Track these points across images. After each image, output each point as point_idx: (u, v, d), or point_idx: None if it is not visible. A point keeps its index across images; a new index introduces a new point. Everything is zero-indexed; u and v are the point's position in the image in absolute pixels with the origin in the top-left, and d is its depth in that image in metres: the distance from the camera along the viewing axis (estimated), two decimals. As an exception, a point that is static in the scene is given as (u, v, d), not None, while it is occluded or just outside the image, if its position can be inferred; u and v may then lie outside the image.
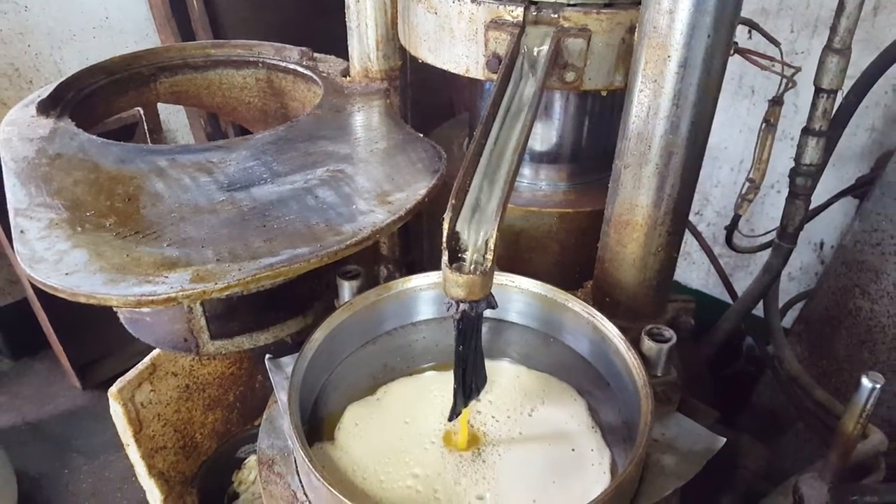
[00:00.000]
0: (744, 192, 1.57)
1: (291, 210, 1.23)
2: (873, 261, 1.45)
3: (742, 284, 2.79)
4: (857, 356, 1.56)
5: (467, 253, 1.00)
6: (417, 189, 1.32)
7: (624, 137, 1.27)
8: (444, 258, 0.98)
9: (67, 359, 2.88)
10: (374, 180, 1.34)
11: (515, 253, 1.64)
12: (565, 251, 1.61)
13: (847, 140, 2.29)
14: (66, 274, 1.05)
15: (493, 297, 1.01)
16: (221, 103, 2.04)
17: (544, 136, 1.66)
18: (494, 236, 0.98)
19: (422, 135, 1.54)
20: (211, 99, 2.03)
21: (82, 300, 1.03)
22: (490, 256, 0.97)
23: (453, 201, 0.99)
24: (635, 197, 1.29)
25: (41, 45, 2.62)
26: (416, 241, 1.97)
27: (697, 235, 1.89)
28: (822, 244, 2.44)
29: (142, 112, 1.95)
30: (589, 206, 1.57)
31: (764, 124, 1.50)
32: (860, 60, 2.16)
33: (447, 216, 0.99)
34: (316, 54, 1.94)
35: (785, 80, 1.37)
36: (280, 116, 2.06)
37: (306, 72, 1.86)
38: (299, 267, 1.09)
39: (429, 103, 2.39)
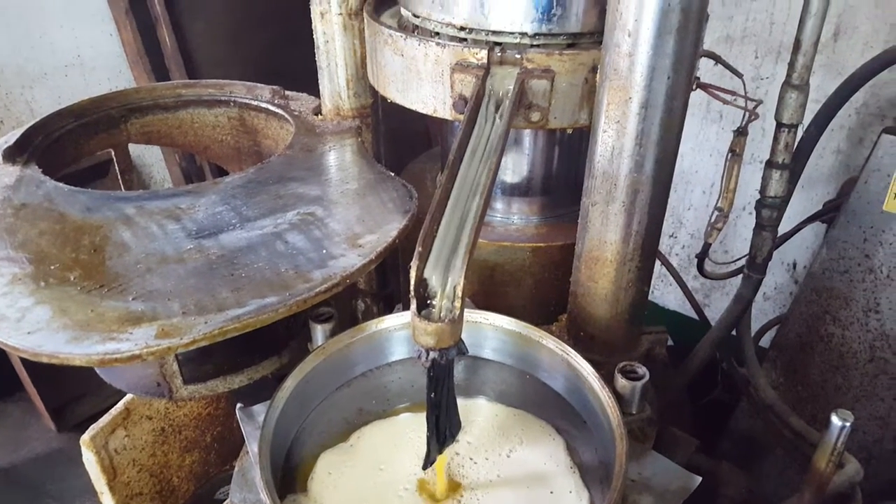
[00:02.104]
0: (713, 220, 1.59)
1: (260, 257, 1.22)
2: (842, 288, 1.47)
3: (719, 305, 2.83)
4: (832, 381, 1.57)
5: (436, 299, 1.00)
6: (388, 231, 1.32)
7: (590, 175, 1.29)
8: (413, 306, 0.97)
9: (41, 401, 2.83)
10: (344, 222, 1.34)
11: (490, 287, 1.64)
12: (539, 285, 1.61)
13: (814, 162, 2.34)
14: (29, 333, 1.03)
15: (463, 343, 1.01)
16: (193, 142, 2.04)
17: (516, 170, 1.67)
18: (462, 283, 0.98)
19: (393, 173, 1.55)
20: (183, 138, 2.02)
21: (45, 360, 1.01)
22: (458, 304, 0.97)
23: (420, 248, 0.99)
24: (604, 234, 1.30)
25: (11, 85, 2.60)
26: (393, 274, 1.97)
27: (668, 266, 1.91)
28: (794, 264, 2.47)
29: (113, 153, 1.94)
30: (561, 240, 1.57)
31: (730, 154, 1.52)
32: (823, 85, 2.22)
33: (414, 263, 0.99)
34: (288, 92, 1.95)
35: (748, 114, 1.39)
36: (253, 154, 2.06)
37: (278, 111, 1.87)
38: (267, 318, 1.08)
39: (405, 131, 2.40)
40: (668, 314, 2.94)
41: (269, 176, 1.50)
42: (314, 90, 1.78)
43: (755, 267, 1.50)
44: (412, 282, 0.98)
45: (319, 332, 1.36)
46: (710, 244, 1.64)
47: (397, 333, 1.40)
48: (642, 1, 1.07)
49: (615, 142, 1.21)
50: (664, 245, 2.90)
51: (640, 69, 1.12)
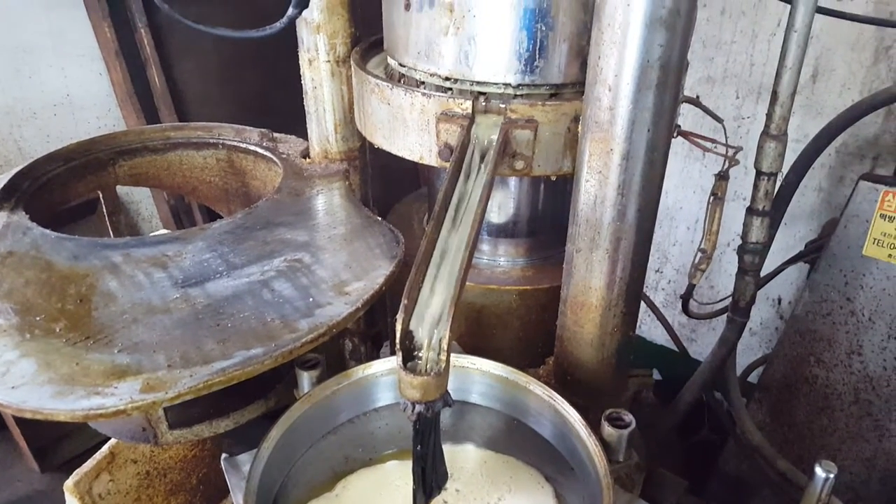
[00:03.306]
0: (696, 261, 1.61)
1: (247, 306, 1.22)
2: (825, 330, 1.49)
3: (705, 340, 2.84)
4: (817, 423, 1.58)
5: (422, 351, 1.01)
6: (375, 278, 1.32)
7: (574, 223, 1.30)
8: (398, 359, 0.98)
9: (25, 440, 2.78)
10: (331, 269, 1.35)
11: (477, 329, 1.65)
12: (526, 327, 1.62)
13: (796, 200, 2.37)
14: (13, 387, 1.03)
15: (449, 395, 1.01)
16: (182, 183, 2.05)
17: (502, 212, 1.69)
18: (447, 335, 0.99)
19: (380, 218, 1.56)
20: (171, 179, 2.03)
21: (28, 416, 1.00)
22: (444, 357, 0.98)
23: (405, 301, 1.00)
24: (588, 279, 1.32)
25: (0, 125, 2.61)
26: (381, 313, 1.97)
27: (653, 308, 1.93)
28: (779, 300, 2.49)
29: (101, 195, 1.94)
30: (548, 283, 1.59)
31: (712, 197, 1.55)
32: (803, 125, 2.27)
33: (400, 317, 0.99)
34: (276, 134, 1.97)
35: (728, 161, 1.42)
36: (241, 195, 2.07)
37: (266, 153, 1.88)
38: (252, 370, 1.08)
39: (394, 168, 2.43)
40: (656, 349, 2.95)
41: (256, 221, 1.51)
42: (303, 128, 1.80)
43: (739, 311, 1.51)
44: (398, 334, 0.98)
45: (306, 378, 1.35)
46: (695, 285, 1.66)
47: (384, 379, 1.40)
48: (622, 57, 1.10)
49: (598, 191, 1.23)
50: (650, 280, 2.93)
51: (621, 122, 1.14)
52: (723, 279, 2.65)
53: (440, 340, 0.99)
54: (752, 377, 2.23)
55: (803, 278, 2.26)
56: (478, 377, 1.40)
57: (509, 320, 1.61)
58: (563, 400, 1.27)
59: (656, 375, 2.96)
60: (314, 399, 1.30)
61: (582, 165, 1.24)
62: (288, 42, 1.65)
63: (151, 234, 2.00)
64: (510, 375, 1.36)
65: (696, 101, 1.57)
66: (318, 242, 1.45)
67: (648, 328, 2.98)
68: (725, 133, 1.59)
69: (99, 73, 2.75)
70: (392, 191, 2.13)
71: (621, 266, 1.28)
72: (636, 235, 1.25)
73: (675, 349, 2.96)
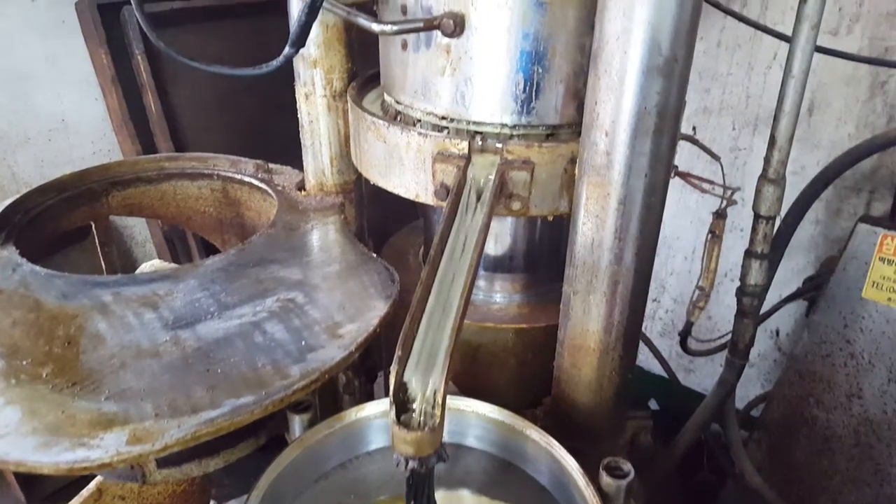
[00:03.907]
0: (695, 299, 1.60)
1: (237, 350, 1.20)
2: (824, 372, 1.47)
3: (704, 370, 2.82)
4: (818, 465, 1.56)
5: (415, 403, 0.98)
6: (370, 319, 1.30)
7: (571, 265, 1.29)
8: (392, 413, 0.96)
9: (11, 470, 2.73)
10: (325, 310, 1.33)
11: (472, 368, 1.62)
12: (523, 366, 1.60)
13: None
14: (-4, 438, 1.00)
15: (444, 450, 0.99)
16: (176, 213, 2.03)
17: (499, 246, 1.67)
18: (443, 388, 0.97)
19: (375, 254, 1.54)
20: (165, 209, 2.01)
21: (12, 468, 0.98)
22: (439, 411, 0.96)
23: (399, 352, 0.98)
24: (586, 322, 1.30)
25: (-6, 150, 2.60)
26: (376, 346, 1.95)
27: (649, 343, 1.91)
28: (777, 332, 2.48)
29: (93, 226, 1.93)
30: (545, 321, 1.57)
31: (710, 235, 1.54)
32: (800, 157, 2.27)
33: (394, 368, 0.97)
34: (271, 165, 1.95)
35: (725, 201, 1.41)
36: (236, 225, 2.05)
37: (261, 185, 1.87)
38: (242, 419, 1.06)
39: (391, 195, 2.41)
40: (655, 379, 2.92)
41: (250, 258, 1.49)
42: (299, 156, 1.78)
43: (738, 353, 1.50)
44: (391, 387, 0.96)
45: (297, 422, 1.33)
46: (693, 323, 1.64)
47: (377, 421, 1.37)
48: (619, 103, 1.09)
49: (595, 234, 1.22)
50: (647, 309, 2.90)
51: (618, 167, 1.14)
52: (720, 310, 2.63)
53: (435, 393, 0.97)
54: (755, 409, 2.21)
55: (801, 311, 2.24)
56: (474, 420, 1.37)
57: (506, 359, 1.59)
58: (560, 447, 1.24)
59: (653, 405, 2.94)
60: (305, 444, 1.28)
61: (579, 208, 1.22)
62: (285, 69, 1.64)
63: (144, 266, 1.98)
64: (506, 419, 1.34)
65: (693, 139, 1.56)
66: (312, 281, 1.43)
67: (646, 357, 2.96)
68: (723, 170, 1.58)
69: (95, 98, 2.74)
70: (388, 216, 2.12)
71: (619, 310, 1.26)
72: (634, 279, 1.24)
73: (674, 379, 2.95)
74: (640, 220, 1.18)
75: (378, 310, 1.33)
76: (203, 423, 1.03)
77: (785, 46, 1.37)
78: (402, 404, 0.97)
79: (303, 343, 1.22)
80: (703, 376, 2.75)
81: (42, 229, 1.75)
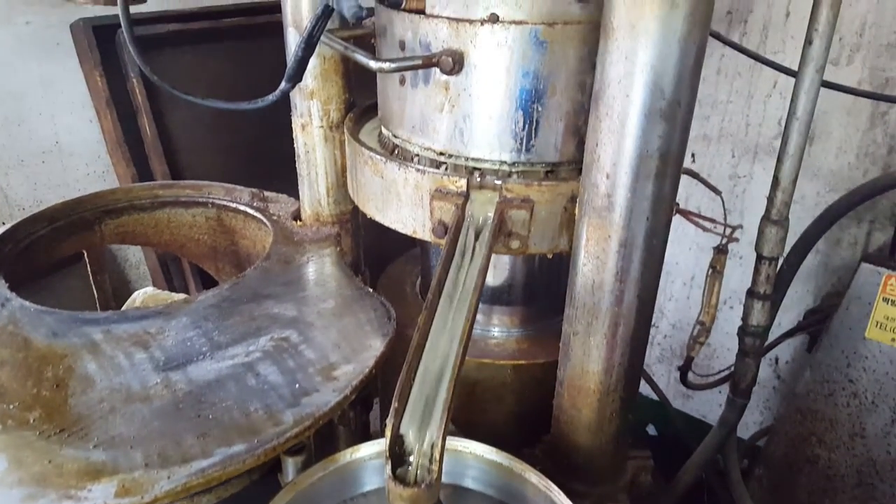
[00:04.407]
0: (695, 334, 1.58)
1: (230, 393, 1.17)
2: (827, 411, 1.45)
3: (702, 396, 2.79)
4: (820, 504, 1.54)
5: (412, 457, 0.96)
6: (366, 360, 1.28)
7: (571, 305, 1.27)
8: (388, 468, 0.93)
9: None
10: (320, 349, 1.30)
11: (470, 403, 1.60)
12: (521, 402, 1.58)
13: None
14: (-22, 491, 0.97)
15: None
16: (169, 241, 2.01)
17: (496, 278, 1.65)
18: (441, 442, 0.94)
19: (371, 289, 1.52)
20: (158, 237, 1.99)
21: (-7, 523, 0.94)
22: (436, 466, 0.93)
23: (396, 405, 0.95)
24: (586, 364, 1.28)
25: (-14, 172, 2.57)
26: (371, 379, 1.92)
27: (651, 382, 1.89)
28: (776, 359, 2.46)
29: (86, 255, 1.90)
30: (544, 357, 1.54)
31: (710, 270, 1.53)
32: (800, 186, 2.25)
33: (390, 421, 0.95)
34: (267, 193, 1.93)
35: (725, 239, 1.40)
36: (230, 253, 2.03)
37: (257, 214, 1.84)
38: (233, 469, 1.03)
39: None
40: (653, 404, 2.90)
41: (244, 293, 1.47)
42: (295, 179, 1.76)
43: (740, 392, 1.48)
44: (387, 441, 0.93)
45: (291, 464, 1.29)
46: (693, 357, 1.62)
47: (372, 462, 1.34)
48: (620, 147, 1.07)
49: (595, 276, 1.19)
50: (646, 333, 2.89)
51: (619, 210, 1.12)
52: (719, 337, 2.61)
53: (433, 446, 0.95)
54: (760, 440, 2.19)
55: (801, 339, 2.23)
56: (472, 461, 1.34)
57: (504, 395, 1.57)
58: (559, 492, 1.21)
59: (652, 431, 2.91)
60: (299, 487, 1.24)
61: (579, 249, 1.20)
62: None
63: (137, 294, 1.95)
64: (505, 461, 1.31)
65: (693, 174, 1.55)
66: (306, 318, 1.40)
67: (644, 384, 2.94)
68: (724, 205, 1.57)
69: (89, 119, 2.71)
70: (386, 241, 2.09)
71: (620, 352, 1.24)
72: (635, 321, 1.22)
73: (671, 406, 2.92)
74: (641, 262, 1.16)
75: (374, 349, 1.31)
76: (194, 474, 1.00)
77: (785, 76, 1.36)
78: (399, 458, 0.95)
79: (296, 386, 1.20)
80: (701, 403, 2.73)
81: (33, 259, 1.72)
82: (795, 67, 1.51)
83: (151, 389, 1.18)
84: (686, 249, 2.60)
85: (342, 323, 1.39)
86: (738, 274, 2.37)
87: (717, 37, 1.74)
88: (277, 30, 1.58)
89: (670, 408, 2.01)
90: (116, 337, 1.31)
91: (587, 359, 1.27)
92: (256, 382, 1.20)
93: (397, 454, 0.95)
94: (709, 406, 2.76)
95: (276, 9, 1.57)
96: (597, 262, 1.18)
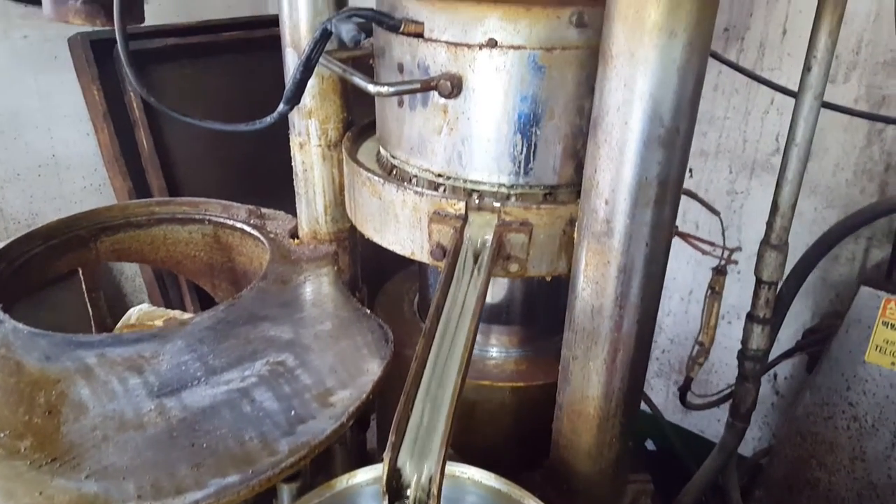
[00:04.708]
0: (694, 354, 1.57)
1: (224, 421, 1.16)
2: (827, 433, 1.44)
3: (703, 413, 2.78)
4: (820, 528, 1.52)
5: (410, 490, 0.95)
6: (363, 385, 1.27)
7: (570, 329, 1.26)
8: (384, 502, 0.92)
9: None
10: (316, 374, 1.29)
11: (468, 425, 1.58)
12: (520, 424, 1.56)
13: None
14: (-33, 524, 0.95)
15: (437, 537, 0.95)
16: (165, 258, 1.99)
17: (494, 296, 1.64)
18: (439, 476, 0.93)
19: (369, 310, 1.51)
20: (154, 254, 1.97)
21: (-18, 558, 0.93)
22: (434, 501, 0.92)
23: (393, 438, 0.94)
24: (585, 388, 1.27)
25: (-18, 186, 2.56)
26: (368, 404, 1.90)
27: (649, 402, 1.87)
28: (775, 375, 2.45)
29: (81, 272, 1.88)
30: (543, 379, 1.53)
31: (709, 291, 1.52)
32: (798, 203, 2.25)
33: (387, 454, 0.94)
34: (264, 210, 1.92)
35: (724, 261, 1.39)
36: (227, 270, 2.01)
37: (254, 232, 1.83)
38: (228, 501, 1.01)
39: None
40: (650, 419, 2.88)
41: (239, 315, 1.45)
42: (294, 193, 1.75)
43: (739, 416, 1.47)
44: (384, 475, 0.92)
45: (286, 492, 1.27)
46: (692, 378, 1.61)
47: (368, 489, 1.32)
48: (619, 173, 1.07)
49: (594, 301, 1.19)
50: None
51: (618, 237, 1.11)
52: (717, 352, 2.60)
53: (430, 479, 0.94)
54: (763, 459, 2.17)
55: (800, 355, 2.22)
56: (470, 486, 1.33)
57: (502, 417, 1.55)
58: (558, 519, 1.21)
59: (650, 446, 2.89)
60: (295, 515, 1.23)
61: (578, 274, 1.20)
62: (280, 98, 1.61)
63: (132, 311, 1.94)
64: (503, 487, 1.29)
65: (692, 194, 1.55)
66: (303, 341, 1.39)
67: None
68: (722, 225, 1.57)
69: (86, 133, 2.71)
70: (384, 255, 2.08)
71: (619, 377, 1.23)
72: (634, 346, 1.21)
73: (670, 420, 2.91)
74: (640, 288, 1.15)
75: (371, 374, 1.30)
76: (187, 507, 0.99)
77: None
78: (396, 492, 0.93)
79: (292, 413, 1.18)
80: (700, 417, 2.72)
81: (27, 278, 1.71)
82: (792, 84, 1.51)
83: (145, 417, 1.17)
84: (684, 264, 2.59)
85: (339, 346, 1.38)
86: (737, 289, 2.36)
87: (715, 55, 1.74)
88: (276, 44, 1.57)
89: (667, 424, 2.00)
90: (110, 361, 1.30)
91: (587, 384, 1.26)
92: (252, 409, 1.19)
93: (394, 488, 0.94)
94: (707, 421, 2.75)
95: (275, 23, 1.56)
96: (596, 287, 1.17)
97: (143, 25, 2.37)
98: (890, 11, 1.81)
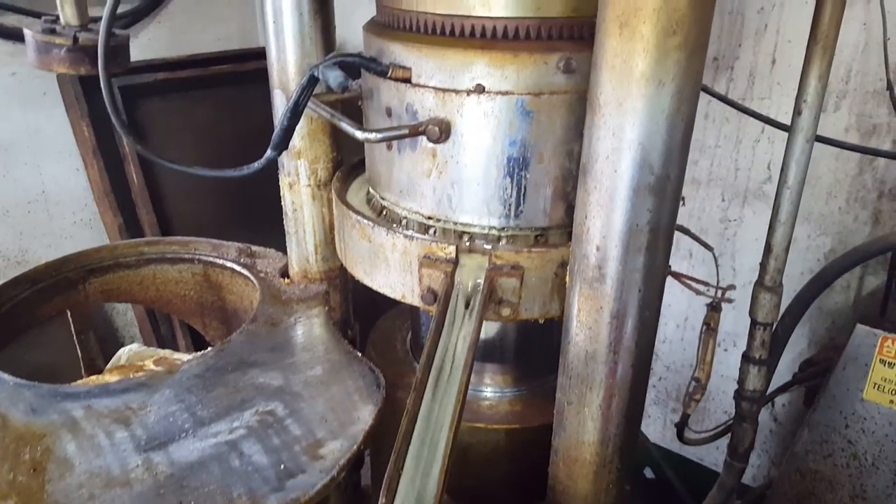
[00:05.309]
0: (691, 391, 1.55)
1: (212, 476, 1.13)
2: (826, 472, 1.42)
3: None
4: (822, 567, 1.50)
5: (401, 551, 0.92)
6: (354, 435, 1.25)
7: (564, 374, 1.24)
8: (375, 566, 0.89)
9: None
10: (306, 424, 1.27)
11: (462, 468, 1.55)
12: (516, 466, 1.54)
13: (786, 302, 2.35)
14: None
15: None
16: (155, 297, 1.97)
17: (488, 335, 1.62)
18: (430, 537, 0.91)
19: (360, 353, 1.49)
20: (144, 294, 1.95)
21: None
22: (425, 562, 0.89)
23: (384, 498, 0.92)
24: (581, 434, 1.24)
25: (-29, 223, 2.54)
26: (359, 454, 1.87)
27: (644, 440, 1.85)
28: (773, 403, 2.43)
29: (69, 314, 1.86)
30: (538, 420, 1.51)
31: (704, 327, 1.50)
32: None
33: (378, 515, 0.91)
34: (255, 248, 1.90)
35: (719, 300, 1.38)
36: (217, 309, 1.99)
37: (244, 271, 1.82)
38: (217, 566, 0.99)
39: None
40: (649, 447, 2.86)
41: (228, 361, 1.43)
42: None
43: (738, 457, 1.45)
44: (375, 538, 0.90)
45: (278, 544, 1.25)
46: (689, 414, 1.59)
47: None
48: (610, 220, 1.06)
49: (588, 346, 1.17)
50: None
51: (611, 282, 1.10)
52: (713, 380, 2.58)
53: (422, 540, 0.91)
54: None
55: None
56: (464, 534, 1.31)
57: (497, 459, 1.53)
58: (555, 570, 1.18)
59: (648, 474, 2.86)
60: (286, 569, 1.20)
61: (571, 318, 1.18)
62: (270, 137, 1.60)
63: (122, 351, 1.91)
64: (499, 536, 1.28)
65: (686, 230, 1.54)
66: (293, 388, 1.37)
67: (644, 425, 2.90)
68: (717, 262, 1.56)
69: (76, 168, 2.70)
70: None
71: (615, 423, 1.21)
72: (630, 392, 1.19)
73: (667, 448, 2.88)
74: (634, 332, 1.14)
75: (363, 422, 1.27)
76: (173, 573, 0.96)
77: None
78: (387, 554, 0.91)
79: (282, 467, 1.16)
80: (697, 450, 2.69)
81: (15, 323, 1.69)
82: (782, 113, 1.51)
83: (132, 473, 1.14)
84: (679, 291, 2.56)
85: (330, 392, 1.36)
86: (732, 317, 2.35)
87: (705, 89, 1.74)
88: (265, 76, 1.55)
89: (664, 453, 1.97)
90: (97, 413, 1.27)
91: (582, 430, 1.24)
92: (240, 464, 1.16)
93: (386, 550, 0.91)
94: (706, 449, 2.72)
95: (263, 55, 1.55)
96: (589, 332, 1.15)
97: (132, 60, 2.37)
98: (878, 41, 1.82)
